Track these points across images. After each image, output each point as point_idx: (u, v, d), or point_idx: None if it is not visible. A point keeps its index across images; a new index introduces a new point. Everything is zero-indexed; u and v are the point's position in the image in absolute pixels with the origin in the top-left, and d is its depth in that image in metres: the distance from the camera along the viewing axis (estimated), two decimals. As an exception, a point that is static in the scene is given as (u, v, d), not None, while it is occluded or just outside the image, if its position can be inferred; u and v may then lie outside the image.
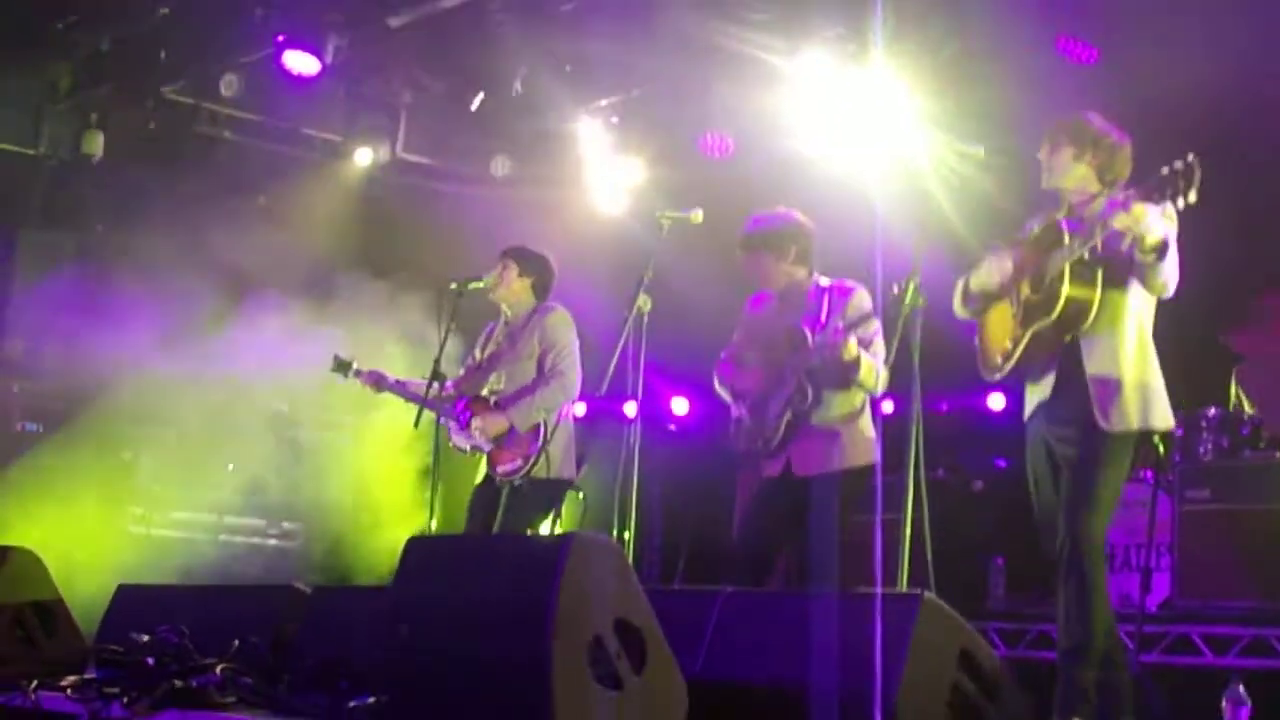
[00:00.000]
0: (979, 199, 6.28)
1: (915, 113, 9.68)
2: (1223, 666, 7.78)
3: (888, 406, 7.39)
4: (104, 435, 10.63)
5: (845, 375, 6.97)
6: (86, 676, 5.75)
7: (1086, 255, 5.70)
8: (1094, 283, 5.71)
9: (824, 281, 7.24)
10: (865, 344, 6.89)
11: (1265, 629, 7.64)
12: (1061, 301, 5.68)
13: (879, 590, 4.90)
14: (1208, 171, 5.18)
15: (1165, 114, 8.65)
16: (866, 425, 7.08)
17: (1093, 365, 5.75)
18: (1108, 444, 5.72)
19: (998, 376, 6.04)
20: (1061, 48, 9.46)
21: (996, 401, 10.86)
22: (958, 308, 6.26)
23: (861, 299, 7.09)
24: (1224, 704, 5.82)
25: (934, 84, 9.60)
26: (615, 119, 12.01)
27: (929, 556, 5.78)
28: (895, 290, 6.06)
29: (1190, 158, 5.18)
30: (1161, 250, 5.49)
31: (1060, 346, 5.81)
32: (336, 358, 8.81)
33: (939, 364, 6.21)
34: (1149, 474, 8.54)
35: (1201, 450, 8.54)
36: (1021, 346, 5.87)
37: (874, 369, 6.81)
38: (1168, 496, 8.21)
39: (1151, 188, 5.28)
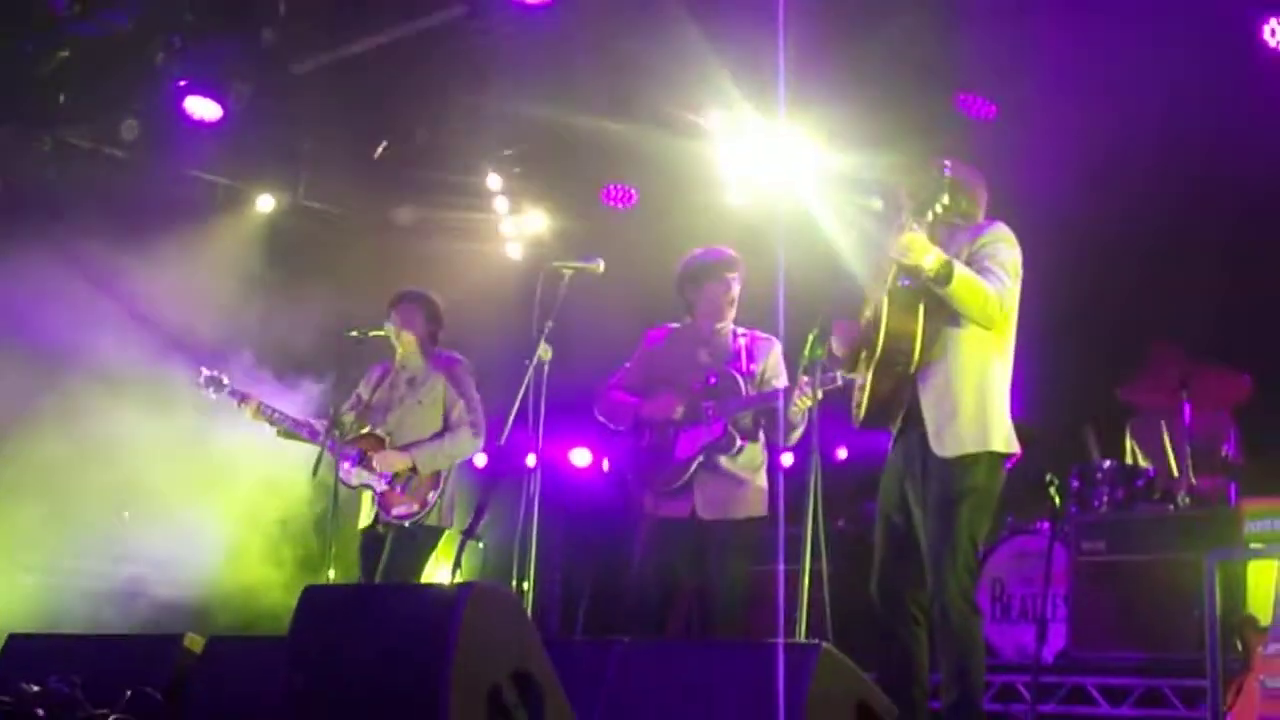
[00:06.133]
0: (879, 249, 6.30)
1: (818, 167, 9.76)
2: (1118, 717, 7.87)
3: (787, 459, 7.40)
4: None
5: (758, 426, 7.02)
6: (-27, 728, 5.63)
7: (901, 285, 5.65)
8: (915, 314, 5.64)
9: (740, 330, 7.28)
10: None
11: (1159, 679, 7.71)
12: (882, 336, 5.62)
13: (780, 640, 4.89)
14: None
15: (1059, 165, 8.80)
16: (764, 478, 7.11)
17: (927, 395, 5.67)
18: (948, 473, 5.60)
19: (857, 425, 5.94)
20: (961, 104, 9.60)
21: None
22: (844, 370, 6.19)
23: (779, 351, 7.15)
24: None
25: (836, 140, 9.70)
26: (518, 169, 12.04)
27: (828, 607, 5.75)
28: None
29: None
30: (941, 279, 5.48)
31: (901, 382, 5.72)
32: (204, 372, 8.44)
33: (838, 414, 6.21)
34: (1045, 525, 8.64)
35: (1097, 502, 8.64)
36: (866, 392, 5.78)
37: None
38: (1064, 547, 8.27)
39: None
